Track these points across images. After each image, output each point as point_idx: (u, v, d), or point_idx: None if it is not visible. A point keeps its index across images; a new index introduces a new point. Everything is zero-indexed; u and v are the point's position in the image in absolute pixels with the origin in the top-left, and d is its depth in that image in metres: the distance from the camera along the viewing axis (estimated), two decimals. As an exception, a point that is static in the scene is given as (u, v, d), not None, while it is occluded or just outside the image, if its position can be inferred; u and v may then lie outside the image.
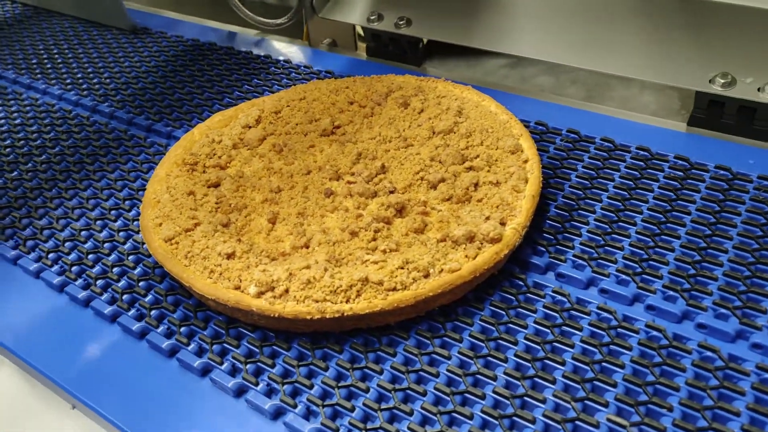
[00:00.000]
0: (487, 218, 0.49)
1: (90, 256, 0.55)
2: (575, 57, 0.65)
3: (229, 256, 0.47)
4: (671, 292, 0.47)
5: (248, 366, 0.45)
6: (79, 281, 0.53)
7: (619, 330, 0.45)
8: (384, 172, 0.55)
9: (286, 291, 0.44)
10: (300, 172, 0.55)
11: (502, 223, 0.49)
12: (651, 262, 0.50)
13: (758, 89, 0.55)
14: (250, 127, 0.63)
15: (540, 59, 0.68)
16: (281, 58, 0.81)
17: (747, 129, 0.60)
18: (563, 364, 0.43)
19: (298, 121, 0.62)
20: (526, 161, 0.54)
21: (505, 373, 0.43)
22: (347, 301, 0.43)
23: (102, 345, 0.48)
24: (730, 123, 0.61)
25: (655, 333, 0.45)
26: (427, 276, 0.45)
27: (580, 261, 0.50)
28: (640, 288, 0.48)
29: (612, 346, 0.44)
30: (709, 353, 0.43)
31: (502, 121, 0.59)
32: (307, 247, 0.48)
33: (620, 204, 0.55)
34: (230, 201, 0.53)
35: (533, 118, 0.66)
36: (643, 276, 0.49)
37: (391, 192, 0.53)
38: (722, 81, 0.57)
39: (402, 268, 0.45)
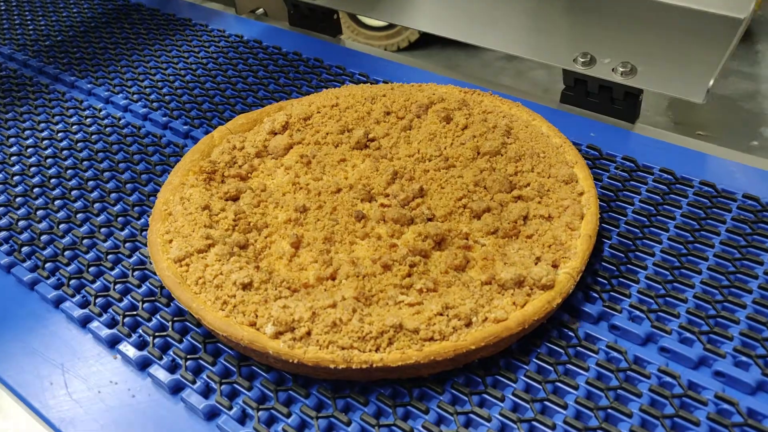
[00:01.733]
0: (538, 259, 0.44)
1: (91, 269, 0.50)
2: (464, 32, 0.68)
3: (245, 286, 0.41)
4: (742, 357, 0.41)
5: (260, 414, 0.39)
6: (77, 297, 0.48)
7: (684, 399, 0.40)
8: (422, 195, 0.49)
9: (308, 333, 0.39)
10: (328, 189, 0.50)
11: (554, 266, 0.44)
12: (719, 320, 0.44)
13: (612, 69, 0.58)
14: (275, 134, 0.58)
15: (433, 33, 0.70)
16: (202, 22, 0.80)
17: (608, 107, 0.63)
18: (620, 437, 0.38)
19: (329, 130, 0.57)
20: (581, 194, 0.49)
21: (553, 444, 0.37)
22: (377, 350, 0.38)
23: (97, 378, 0.43)
24: (594, 101, 0.64)
25: (726, 406, 0.39)
26: (468, 325, 0.39)
27: (638, 312, 0.45)
28: (708, 350, 0.42)
29: (676, 419, 0.38)
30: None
31: (554, 144, 0.53)
32: (333, 279, 0.43)
33: (682, 247, 0.49)
34: (249, 218, 0.48)
35: (584, 140, 0.60)
36: (711, 336, 0.43)
37: (429, 219, 0.48)
38: (582, 60, 0.60)
39: (441, 314, 0.39)
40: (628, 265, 0.48)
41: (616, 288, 0.46)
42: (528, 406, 0.39)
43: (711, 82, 0.53)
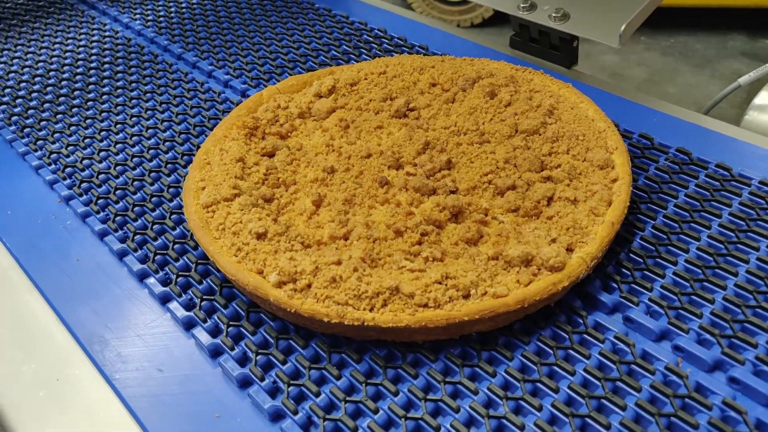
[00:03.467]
0: (553, 240, 0.43)
1: (136, 209, 0.53)
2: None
3: (260, 236, 0.43)
4: (765, 366, 0.39)
5: (259, 357, 0.41)
6: (119, 233, 0.51)
7: (687, 400, 0.38)
8: (449, 167, 0.49)
9: (308, 286, 0.40)
10: (359, 154, 0.51)
11: (569, 249, 0.42)
12: (746, 325, 0.41)
13: (549, 15, 0.61)
14: (321, 97, 0.59)
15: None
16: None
17: (547, 53, 0.66)
18: (608, 428, 0.36)
19: (373, 97, 0.58)
20: (614, 180, 0.47)
21: (536, 425, 0.37)
22: (371, 309, 0.39)
23: (128, 302, 0.47)
24: (536, 47, 0.67)
25: (733, 414, 0.37)
26: (467, 296, 0.39)
27: (656, 307, 0.43)
28: (726, 354, 0.39)
29: (673, 419, 0.37)
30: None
31: (597, 129, 0.51)
32: (346, 239, 0.44)
33: (723, 247, 0.46)
34: (279, 174, 0.50)
35: (639, 128, 0.57)
36: (733, 340, 0.40)
37: (452, 192, 0.48)
38: (524, 6, 0.63)
39: (440, 282, 0.39)
40: (657, 259, 0.46)
41: (638, 280, 0.44)
42: (519, 385, 0.39)
43: (623, 28, 0.57)
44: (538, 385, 0.39)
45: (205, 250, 0.44)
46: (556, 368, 0.40)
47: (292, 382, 0.40)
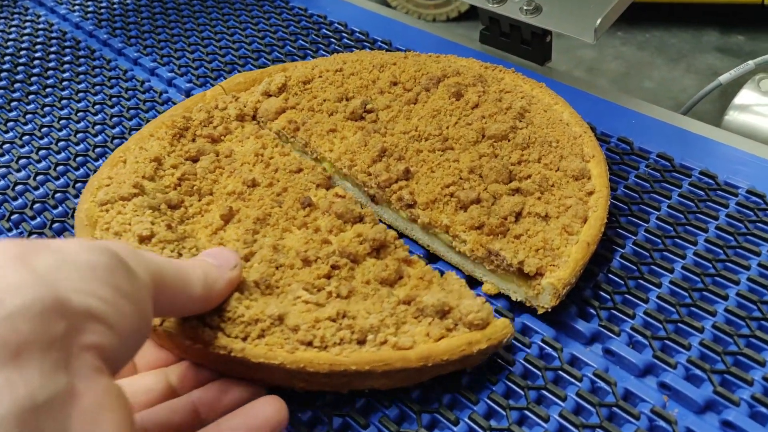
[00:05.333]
0: (521, 264, 0.37)
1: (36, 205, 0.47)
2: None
3: (143, 239, 0.37)
4: (761, 408, 0.34)
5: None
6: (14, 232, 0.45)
7: (676, 450, 0.33)
8: (407, 178, 0.44)
9: None
10: (288, 168, 0.45)
11: (539, 274, 0.37)
12: (740, 358, 0.37)
13: (520, 9, 0.57)
14: (270, 96, 0.53)
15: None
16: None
17: (518, 48, 0.63)
18: (587, 486, 0.32)
19: (327, 96, 0.52)
20: (590, 193, 0.42)
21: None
22: (245, 338, 0.33)
23: None
24: (506, 41, 0.63)
25: (727, 466, 0.32)
26: (362, 342, 0.33)
27: (639, 338, 0.38)
28: (718, 393, 0.35)
29: (661, 474, 0.32)
30: None
31: (573, 134, 0.46)
32: (247, 261, 0.38)
33: (711, 266, 0.41)
34: (197, 182, 0.44)
35: (617, 131, 0.53)
36: (726, 376, 0.36)
37: (410, 206, 0.42)
38: None
39: (333, 320, 0.33)
40: (639, 280, 0.41)
41: (618, 306, 0.39)
42: (485, 434, 0.34)
43: (598, 22, 0.53)
44: (507, 433, 0.34)
45: None
46: (527, 413, 0.35)
47: None
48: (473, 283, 0.42)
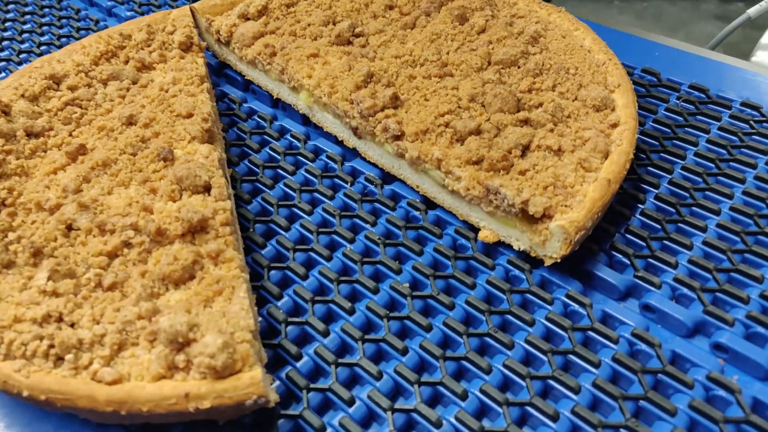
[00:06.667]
0: (525, 203, 0.30)
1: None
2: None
3: None
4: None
5: None
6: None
7: (744, 426, 0.26)
8: (395, 106, 0.36)
9: None
10: (179, 110, 0.37)
11: (548, 216, 0.30)
12: (810, 312, 0.30)
13: None
14: (248, 20, 0.45)
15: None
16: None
17: None
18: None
19: (312, 20, 0.44)
20: (614, 125, 0.34)
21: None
22: None
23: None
24: None
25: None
26: (60, 360, 0.25)
27: (685, 290, 0.31)
28: (788, 354, 0.28)
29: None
30: None
31: (595, 62, 0.39)
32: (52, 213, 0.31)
33: (765, 206, 0.34)
34: (81, 110, 0.38)
35: (640, 63, 0.46)
36: (795, 334, 0.29)
37: (397, 137, 0.35)
38: None
39: (39, 323, 0.26)
40: (680, 224, 0.34)
41: (657, 253, 0.32)
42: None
43: None
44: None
45: None
46: (551, 382, 0.28)
47: None
48: (473, 230, 0.35)
